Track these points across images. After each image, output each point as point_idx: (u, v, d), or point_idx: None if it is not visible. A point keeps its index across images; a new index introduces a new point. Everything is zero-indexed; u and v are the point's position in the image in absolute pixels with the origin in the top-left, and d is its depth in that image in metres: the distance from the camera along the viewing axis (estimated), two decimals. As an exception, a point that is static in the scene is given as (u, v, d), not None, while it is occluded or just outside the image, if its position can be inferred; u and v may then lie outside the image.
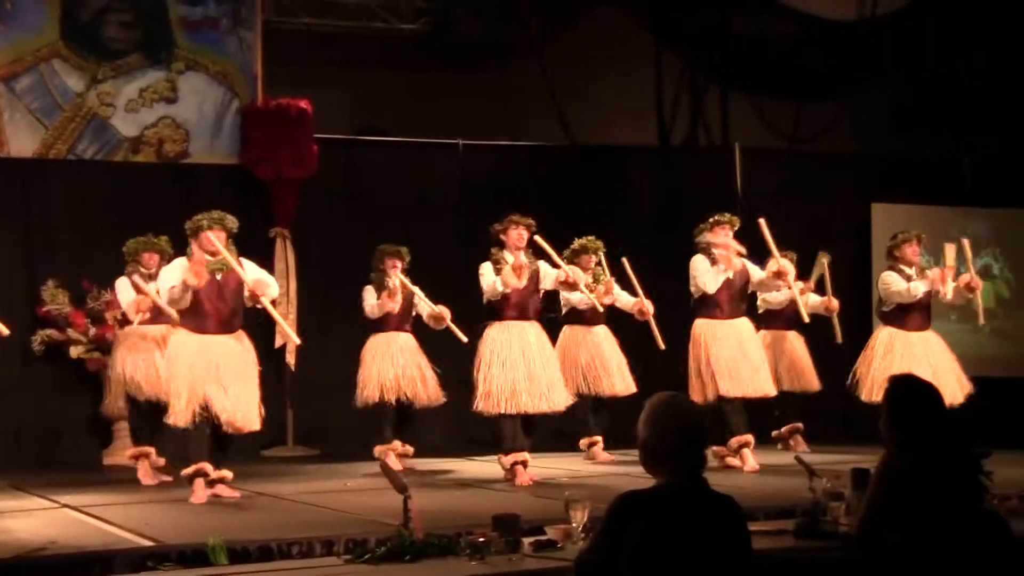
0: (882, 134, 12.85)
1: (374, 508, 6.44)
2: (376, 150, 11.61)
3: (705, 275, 8.56)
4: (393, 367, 8.91)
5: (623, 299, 9.32)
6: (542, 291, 8.18)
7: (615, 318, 9.48)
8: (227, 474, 7.30)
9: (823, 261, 9.82)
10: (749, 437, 8.44)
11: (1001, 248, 12.82)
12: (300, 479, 8.59)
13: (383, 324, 9.02)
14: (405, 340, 9.05)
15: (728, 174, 12.13)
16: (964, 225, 11.89)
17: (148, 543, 5.47)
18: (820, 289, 9.97)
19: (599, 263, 9.29)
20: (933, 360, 8.83)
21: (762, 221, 8.51)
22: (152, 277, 8.29)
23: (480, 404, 7.93)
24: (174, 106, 10.83)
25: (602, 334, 9.41)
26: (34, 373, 10.20)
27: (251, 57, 11.02)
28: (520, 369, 7.86)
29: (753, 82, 12.52)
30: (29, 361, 10.14)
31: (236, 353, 7.26)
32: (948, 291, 8.85)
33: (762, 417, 9.27)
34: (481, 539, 4.52)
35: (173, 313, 7.47)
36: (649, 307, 9.19)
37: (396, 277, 8.85)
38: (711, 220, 8.70)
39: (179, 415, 7.09)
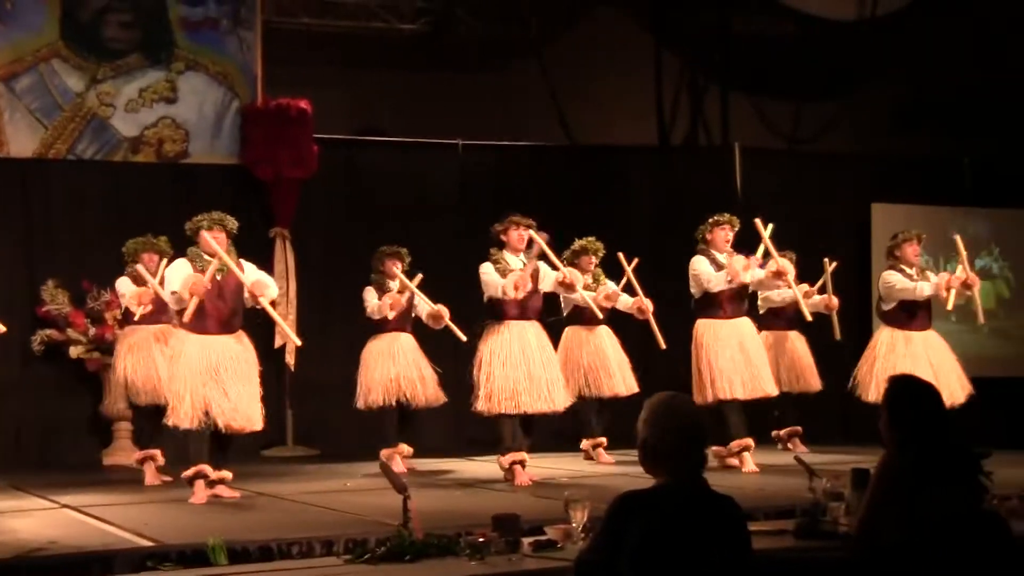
0: (882, 134, 12.85)
1: (374, 508, 6.43)
2: (376, 150, 11.61)
3: (708, 274, 8.54)
4: (396, 367, 8.91)
5: (622, 300, 9.32)
6: (542, 292, 8.17)
7: (616, 318, 9.48)
8: (227, 475, 7.30)
9: (828, 269, 9.81)
10: (749, 441, 8.43)
11: (1001, 248, 12.82)
12: (300, 479, 8.58)
13: (384, 325, 9.01)
14: (406, 341, 9.05)
15: (728, 174, 12.13)
16: (964, 225, 11.89)
17: (148, 543, 5.46)
18: (820, 289, 9.97)
19: (599, 265, 9.31)
20: (935, 360, 8.82)
21: (758, 222, 8.50)
22: (152, 277, 8.30)
23: (480, 404, 7.92)
24: (174, 106, 10.84)
25: (604, 334, 9.41)
26: (34, 373, 10.21)
27: (251, 57, 11.02)
28: (520, 369, 7.84)
29: (753, 82, 12.52)
30: (29, 361, 10.15)
31: (237, 353, 7.25)
32: (950, 300, 8.81)
33: (762, 417, 9.27)
34: (481, 539, 4.52)
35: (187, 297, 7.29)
36: (648, 305, 9.18)
37: (397, 280, 8.85)
38: (711, 220, 8.69)
39: (180, 416, 7.09)
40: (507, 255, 8.03)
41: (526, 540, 4.62)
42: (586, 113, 12.11)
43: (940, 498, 3.74)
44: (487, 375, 7.88)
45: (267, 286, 7.33)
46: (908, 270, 8.96)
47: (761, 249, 8.55)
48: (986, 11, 12.23)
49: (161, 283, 7.89)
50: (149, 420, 8.35)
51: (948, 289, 8.78)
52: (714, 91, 12.79)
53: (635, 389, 9.16)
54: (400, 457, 8.83)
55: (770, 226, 8.52)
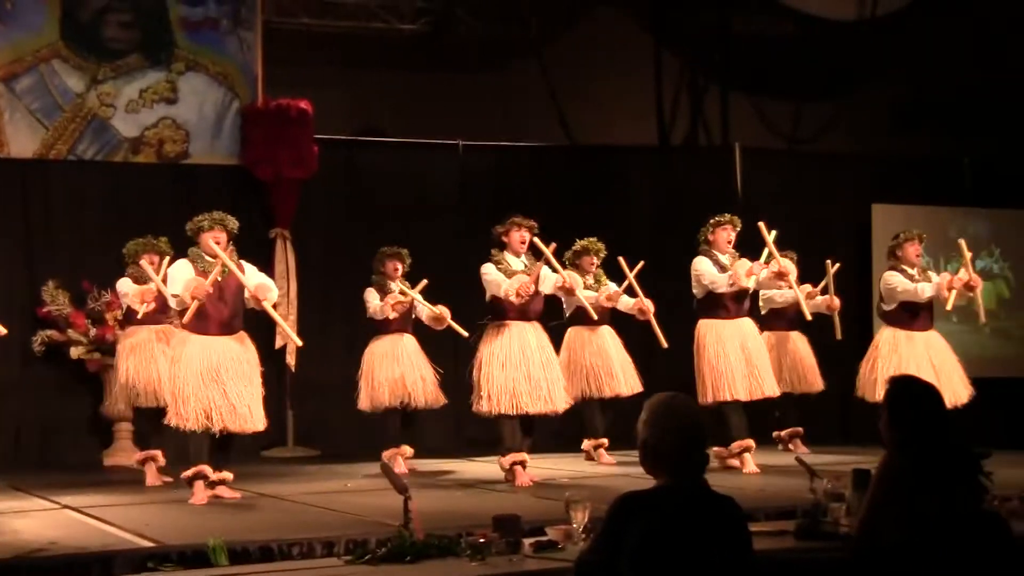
0: (882, 134, 12.84)
1: (374, 509, 6.43)
2: (376, 150, 11.61)
3: (711, 275, 8.53)
4: (400, 368, 8.91)
5: (623, 300, 9.31)
6: (542, 294, 8.16)
7: (617, 318, 9.48)
8: (228, 475, 7.30)
9: (830, 271, 9.81)
10: (750, 442, 8.42)
11: (1001, 248, 12.82)
12: (300, 480, 8.58)
13: (386, 326, 9.01)
14: (408, 342, 9.05)
15: (728, 174, 12.13)
16: (964, 225, 11.89)
17: (148, 544, 5.46)
18: (823, 290, 9.96)
19: (600, 265, 9.31)
20: (937, 360, 8.81)
21: (762, 225, 8.50)
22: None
23: (480, 405, 7.92)
24: (174, 107, 10.84)
25: (607, 334, 9.40)
26: (34, 373, 10.21)
27: (251, 58, 11.02)
28: (520, 369, 7.85)
29: (753, 82, 12.52)
30: (29, 361, 10.15)
31: (238, 354, 7.24)
32: (950, 301, 8.81)
33: (762, 418, 9.27)
34: (482, 540, 4.53)
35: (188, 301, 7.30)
36: (649, 306, 9.18)
37: (398, 286, 8.85)
38: (713, 221, 8.68)
39: (180, 417, 7.09)
40: (508, 256, 8.03)
41: (527, 541, 4.62)
42: (586, 113, 12.11)
43: (940, 499, 3.74)
44: (487, 376, 7.88)
45: (270, 289, 7.33)
46: (909, 270, 8.95)
47: (765, 253, 8.54)
48: (986, 11, 12.23)
49: (164, 281, 7.89)
50: (150, 421, 8.35)
51: (950, 290, 8.77)
52: (714, 91, 12.79)
53: (638, 389, 9.15)
54: (402, 458, 8.83)
55: (773, 232, 8.52)
